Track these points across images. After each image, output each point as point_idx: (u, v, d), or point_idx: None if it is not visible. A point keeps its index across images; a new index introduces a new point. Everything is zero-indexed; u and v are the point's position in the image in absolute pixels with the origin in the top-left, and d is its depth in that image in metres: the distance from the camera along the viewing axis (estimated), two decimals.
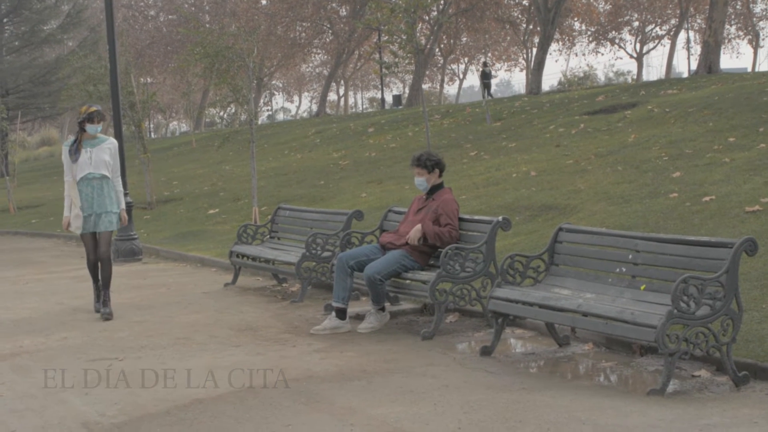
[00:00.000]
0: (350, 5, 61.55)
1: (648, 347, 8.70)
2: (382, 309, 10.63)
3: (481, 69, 59.33)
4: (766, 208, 12.48)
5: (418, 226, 10.40)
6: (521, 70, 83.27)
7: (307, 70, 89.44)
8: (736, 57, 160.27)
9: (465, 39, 71.12)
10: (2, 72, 48.73)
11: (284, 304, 12.32)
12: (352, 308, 11.12)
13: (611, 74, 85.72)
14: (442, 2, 48.44)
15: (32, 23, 52.39)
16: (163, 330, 10.87)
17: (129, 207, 17.80)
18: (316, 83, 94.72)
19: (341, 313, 10.48)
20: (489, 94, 55.89)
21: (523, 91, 74.88)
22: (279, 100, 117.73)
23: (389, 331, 10.35)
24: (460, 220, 10.84)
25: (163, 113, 73.25)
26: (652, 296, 8.17)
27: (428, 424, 6.87)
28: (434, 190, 10.69)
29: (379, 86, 76.71)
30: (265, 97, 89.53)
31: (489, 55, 77.90)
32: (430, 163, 10.60)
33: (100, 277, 12.07)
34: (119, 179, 12.14)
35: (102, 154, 11.81)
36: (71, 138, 11.96)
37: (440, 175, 10.70)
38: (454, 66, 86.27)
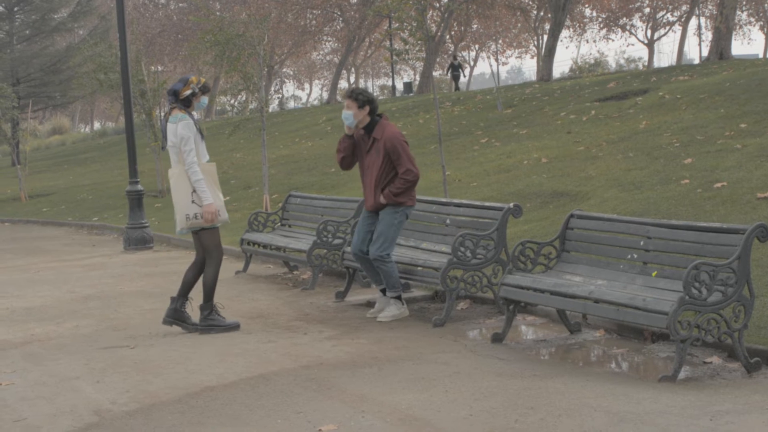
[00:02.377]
0: None
1: (659, 334, 8.68)
2: (399, 297, 10.46)
3: (450, 61, 59.64)
4: None
5: (381, 199, 10.20)
6: (532, 57, 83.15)
7: (318, 57, 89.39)
8: (747, 43, 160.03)
9: (476, 26, 70.95)
10: (13, 61, 48.80)
11: (295, 292, 12.32)
12: (364, 296, 11.11)
13: (622, 61, 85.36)
14: None
15: (43, 12, 52.42)
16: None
17: (140, 195, 17.86)
18: (326, 71, 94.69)
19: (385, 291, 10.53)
20: (457, 87, 56.31)
21: (534, 78, 74.76)
22: (290, 88, 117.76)
23: (400, 319, 10.34)
24: (471, 207, 10.84)
25: None
26: (663, 283, 8.15)
27: (439, 411, 6.87)
28: (372, 126, 10.35)
29: (390, 74, 76.58)
30: (276, 84, 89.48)
31: (500, 41, 77.73)
32: (362, 98, 10.24)
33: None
34: None
35: None
36: (184, 113, 9.92)
37: (371, 113, 10.31)
38: (464, 53, 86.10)
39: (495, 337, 9.10)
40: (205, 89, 10.03)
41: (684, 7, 68.93)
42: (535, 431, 6.38)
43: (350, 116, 10.26)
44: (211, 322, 10.04)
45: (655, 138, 18.40)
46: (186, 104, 9.94)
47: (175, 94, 9.93)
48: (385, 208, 10.27)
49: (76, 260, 16.59)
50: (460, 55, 76.81)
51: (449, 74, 59.02)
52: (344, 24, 64.87)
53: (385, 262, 10.23)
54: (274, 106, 74.62)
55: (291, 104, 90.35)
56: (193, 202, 9.87)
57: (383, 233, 10.24)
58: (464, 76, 54.37)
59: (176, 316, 10.08)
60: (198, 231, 10.14)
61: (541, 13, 63.94)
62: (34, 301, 12.44)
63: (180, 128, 9.81)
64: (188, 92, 9.91)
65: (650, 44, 75.24)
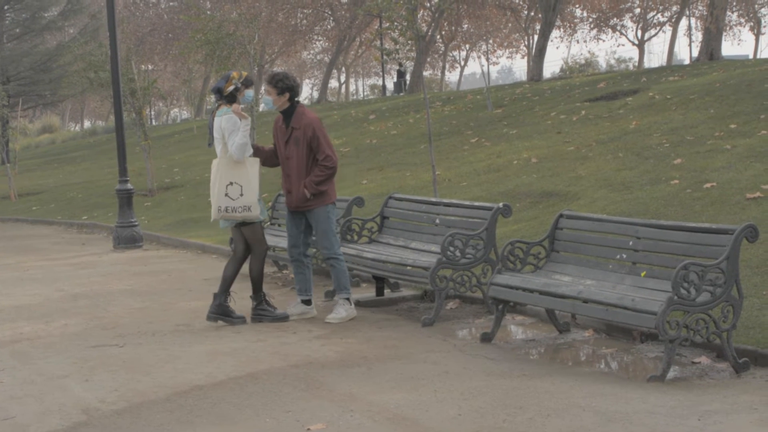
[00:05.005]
0: None
1: (648, 334, 8.70)
2: (348, 299, 10.43)
3: (397, 68, 60.66)
4: (766, 194, 12.47)
5: (304, 192, 10.14)
6: (522, 57, 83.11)
7: (308, 57, 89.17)
8: (737, 44, 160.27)
9: (466, 26, 70.89)
10: (3, 59, 48.67)
11: (284, 291, 12.32)
12: (354, 295, 11.10)
13: (613, 61, 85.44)
14: None
15: (33, 10, 52.32)
16: (164, 317, 10.87)
17: (130, 194, 17.85)
18: (317, 70, 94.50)
19: (307, 303, 10.54)
20: (403, 90, 57.20)
21: (524, 78, 74.77)
22: None
23: (389, 318, 10.35)
24: (461, 206, 10.85)
25: (164, 100, 73.25)
26: (652, 283, 8.16)
27: (428, 411, 6.87)
28: (290, 112, 10.28)
29: (380, 73, 76.54)
30: None
31: (491, 41, 77.71)
32: (281, 86, 10.16)
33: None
34: None
35: None
36: (230, 107, 10.09)
37: (290, 100, 10.25)
38: (455, 53, 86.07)
39: (484, 337, 9.11)
40: (248, 83, 10.23)
41: (674, 8, 68.98)
42: (524, 431, 6.39)
43: (270, 101, 10.31)
44: (261, 313, 10.30)
45: (644, 138, 18.41)
46: (231, 100, 10.13)
47: (219, 92, 10.14)
48: (310, 206, 10.25)
49: (66, 259, 16.56)
50: (451, 55, 76.89)
51: (396, 79, 60.37)
52: (335, 23, 64.80)
53: (339, 260, 10.30)
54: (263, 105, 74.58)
55: None
56: (226, 195, 10.03)
57: (324, 231, 10.30)
58: (407, 81, 56.65)
59: (220, 311, 10.25)
60: (239, 226, 10.27)
61: (532, 13, 63.90)
62: (23, 300, 12.41)
63: (224, 122, 10.05)
64: (231, 88, 10.12)
65: (641, 45, 75.29)
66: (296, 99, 10.32)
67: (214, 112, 10.26)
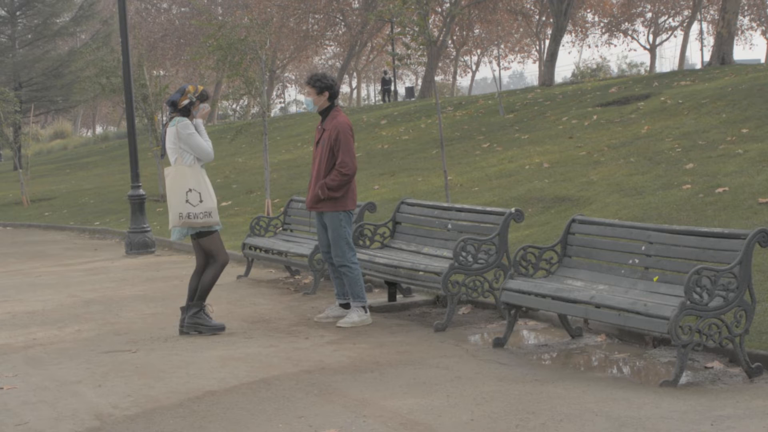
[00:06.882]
0: None
1: (661, 339, 8.69)
2: (363, 307, 10.44)
3: (381, 76, 61.08)
4: None
5: (317, 192, 10.21)
6: (534, 62, 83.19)
7: (320, 62, 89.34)
8: (749, 48, 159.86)
9: (477, 31, 70.93)
10: (15, 65, 48.87)
11: (297, 296, 12.33)
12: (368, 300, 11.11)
13: (624, 66, 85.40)
14: None
15: (45, 16, 52.50)
16: (176, 322, 10.85)
17: (142, 199, 17.87)
18: None
19: (346, 306, 10.54)
20: (388, 99, 57.42)
21: (536, 83, 74.75)
22: (292, 93, 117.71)
23: (402, 323, 10.35)
24: (473, 211, 10.85)
25: None
26: (665, 288, 8.16)
27: (441, 416, 6.87)
28: (325, 114, 10.41)
29: (392, 78, 76.59)
30: (278, 89, 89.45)
31: (502, 46, 77.72)
32: (320, 85, 10.27)
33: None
34: None
35: None
36: (186, 119, 10.03)
37: (330, 99, 10.37)
38: (466, 58, 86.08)
39: (496, 342, 9.10)
40: (203, 97, 10.21)
41: (686, 12, 68.96)
42: None
43: (310, 102, 10.41)
44: (198, 320, 10.16)
45: (656, 143, 18.40)
46: (185, 114, 10.11)
47: (173, 105, 10.11)
48: (322, 209, 10.30)
49: (78, 264, 16.59)
50: (463, 60, 76.81)
51: (380, 88, 60.80)
52: (346, 29, 64.88)
53: (351, 269, 10.30)
54: (276, 110, 74.65)
55: (293, 109, 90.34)
56: (187, 201, 9.97)
57: (336, 240, 10.32)
58: (393, 88, 57.06)
59: (194, 321, 10.21)
60: (197, 237, 10.24)
61: (543, 18, 63.95)
62: (36, 305, 12.44)
63: (180, 128, 9.97)
64: (186, 102, 10.09)
65: (652, 49, 75.27)
66: (335, 99, 10.41)
67: (166, 123, 10.24)
